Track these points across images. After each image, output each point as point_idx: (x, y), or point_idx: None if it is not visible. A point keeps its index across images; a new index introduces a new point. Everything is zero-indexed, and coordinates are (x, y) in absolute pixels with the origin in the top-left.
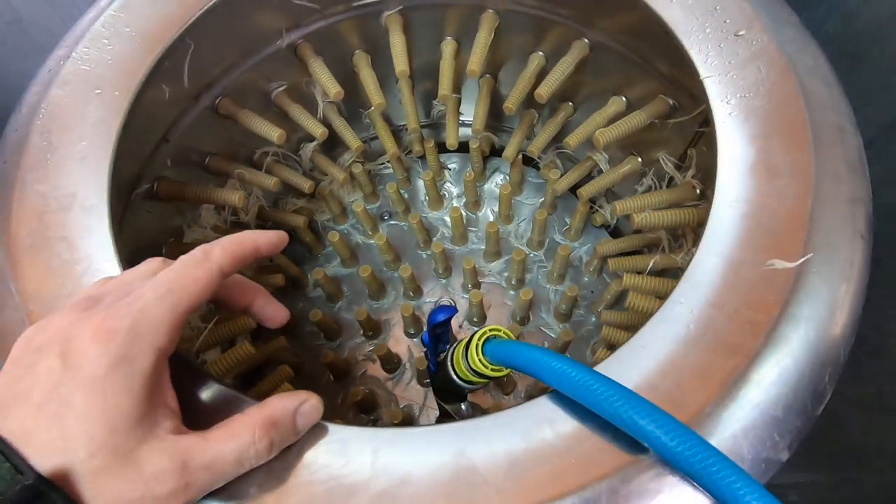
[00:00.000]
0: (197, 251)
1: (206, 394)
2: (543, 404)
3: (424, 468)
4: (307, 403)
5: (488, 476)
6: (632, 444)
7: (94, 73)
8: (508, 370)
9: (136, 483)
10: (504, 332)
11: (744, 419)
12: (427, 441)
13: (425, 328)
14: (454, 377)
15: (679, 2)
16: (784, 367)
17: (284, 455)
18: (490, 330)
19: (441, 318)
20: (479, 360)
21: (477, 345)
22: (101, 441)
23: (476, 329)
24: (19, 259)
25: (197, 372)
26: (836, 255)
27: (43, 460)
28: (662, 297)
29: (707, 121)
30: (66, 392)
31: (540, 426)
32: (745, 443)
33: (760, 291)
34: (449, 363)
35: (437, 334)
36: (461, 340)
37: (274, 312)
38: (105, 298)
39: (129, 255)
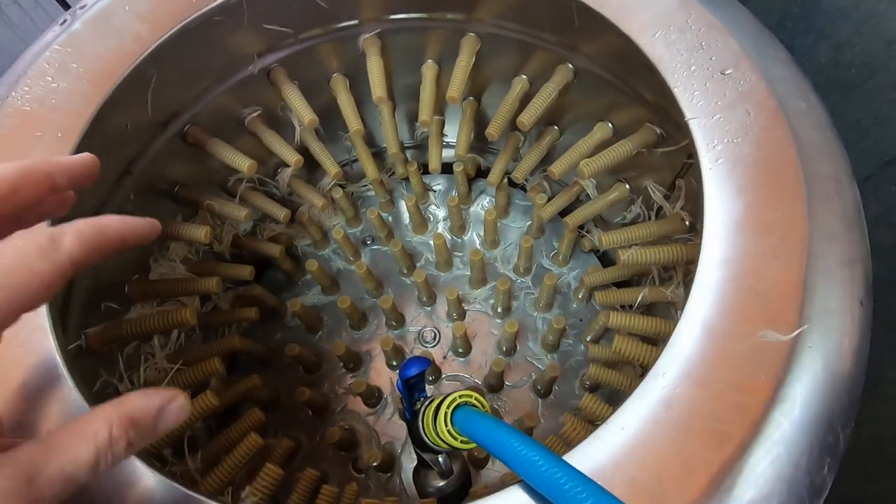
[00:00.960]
0: (42, 235)
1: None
2: (514, 495)
3: None
4: (174, 404)
5: None
6: None
7: (36, 115)
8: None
9: None
10: (476, 399)
11: None
12: None
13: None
14: (425, 438)
15: (662, 36)
16: (777, 458)
17: None
18: (461, 396)
19: (413, 372)
20: (448, 430)
21: (446, 413)
22: None
23: (462, 360)
24: None
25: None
26: (833, 326)
27: None
28: (650, 338)
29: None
30: None
31: None
32: None
33: (750, 369)
34: (420, 423)
35: (412, 384)
36: (432, 400)
37: (141, 234)
38: None
39: (86, 297)
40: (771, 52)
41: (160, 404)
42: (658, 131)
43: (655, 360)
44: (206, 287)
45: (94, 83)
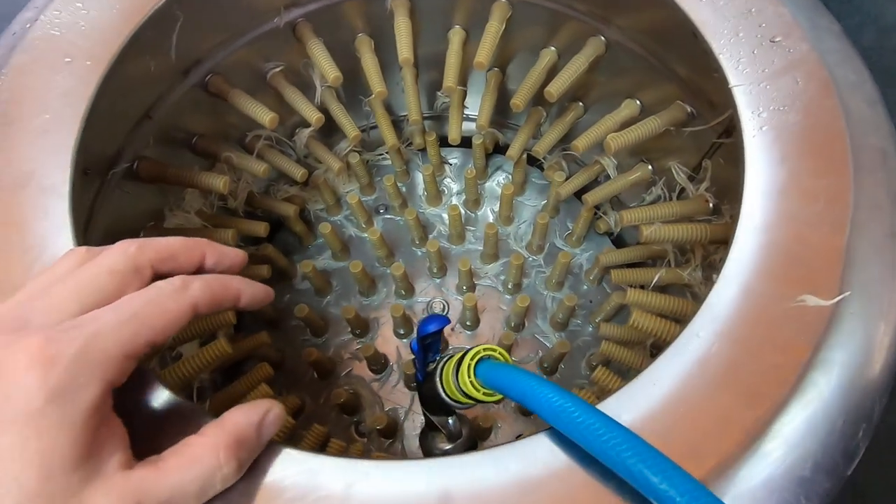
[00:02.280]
0: (176, 279)
1: (157, 406)
2: (540, 443)
3: None
4: (271, 413)
5: None
6: (640, 499)
7: (65, 40)
8: (501, 396)
9: None
10: (500, 353)
11: (767, 477)
12: (407, 476)
13: (415, 331)
14: (442, 394)
15: (710, 1)
16: (813, 419)
17: (246, 484)
18: (484, 349)
19: (432, 328)
20: (471, 382)
21: (469, 365)
22: (32, 488)
23: (469, 333)
24: None
25: (146, 379)
26: (875, 295)
27: None
28: (668, 316)
29: (727, 132)
30: None
31: (535, 468)
32: None
33: (789, 331)
34: (438, 378)
35: (427, 343)
36: (452, 355)
37: (256, 298)
38: (33, 316)
39: (102, 239)
40: (823, 24)
41: (259, 418)
42: (688, 109)
43: (674, 335)
44: (221, 239)
45: (123, 14)
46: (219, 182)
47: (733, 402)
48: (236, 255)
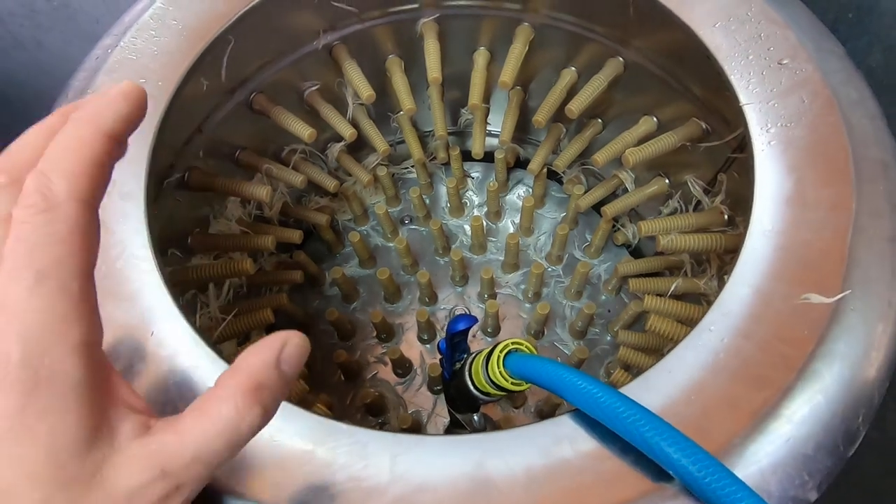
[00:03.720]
0: (32, 197)
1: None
2: (565, 423)
3: (442, 477)
4: (289, 346)
5: (506, 490)
6: (655, 470)
7: (140, 63)
8: (528, 385)
9: None
10: (526, 347)
11: (772, 455)
12: (445, 450)
13: (440, 335)
14: (471, 387)
15: (722, 27)
16: (816, 404)
17: (302, 452)
18: (512, 343)
19: (461, 326)
20: (500, 372)
21: (499, 357)
22: (48, 479)
23: (489, 339)
24: None
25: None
26: (874, 294)
27: None
28: (684, 321)
29: (741, 147)
30: None
31: (560, 445)
32: (773, 479)
33: (794, 325)
34: (467, 373)
35: (455, 343)
36: (481, 351)
37: (131, 117)
38: None
39: (160, 241)
40: (827, 46)
41: (276, 355)
42: (703, 126)
43: None
44: (261, 244)
45: (189, 39)
46: (262, 191)
47: (742, 387)
48: (123, 98)
